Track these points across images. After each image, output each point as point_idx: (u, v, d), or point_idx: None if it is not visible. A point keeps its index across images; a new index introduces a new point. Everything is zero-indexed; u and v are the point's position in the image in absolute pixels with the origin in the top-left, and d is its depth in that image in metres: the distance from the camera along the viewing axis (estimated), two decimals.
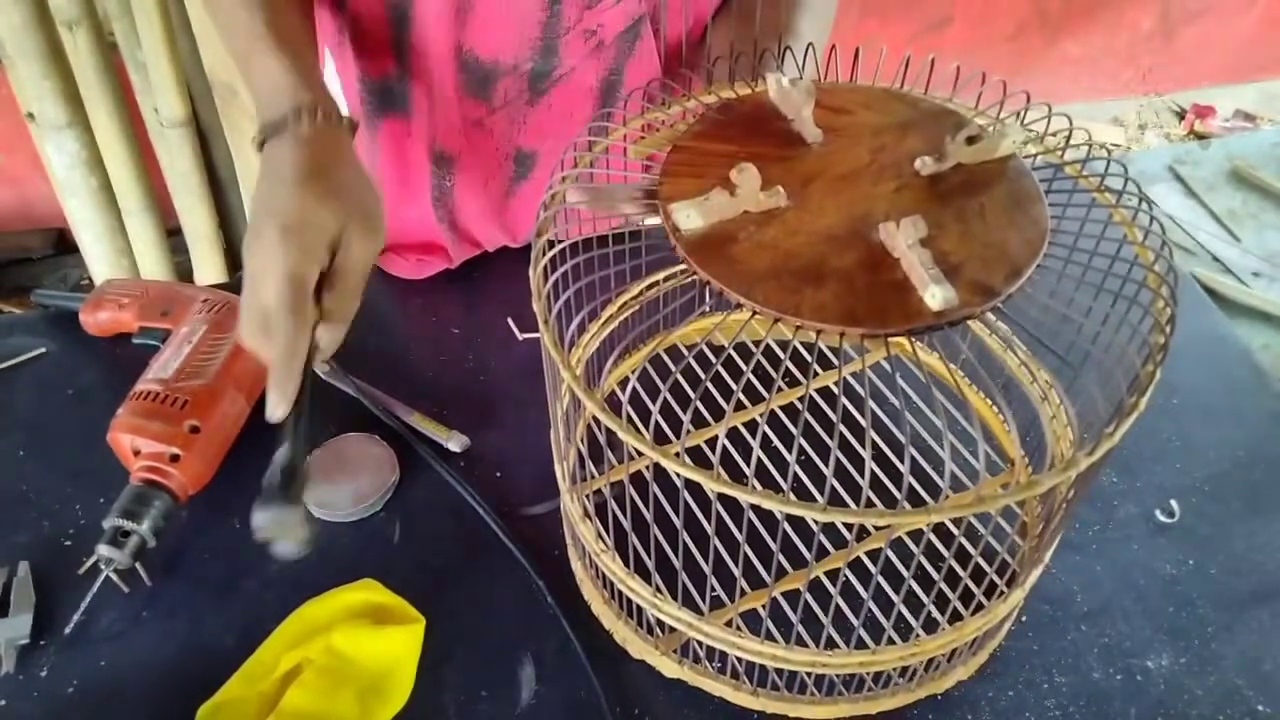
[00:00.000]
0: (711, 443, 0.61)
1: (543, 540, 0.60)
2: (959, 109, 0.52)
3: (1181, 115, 2.49)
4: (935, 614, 0.48)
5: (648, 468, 0.52)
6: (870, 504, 0.57)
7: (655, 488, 0.49)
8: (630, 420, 0.41)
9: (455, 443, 0.65)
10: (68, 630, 0.56)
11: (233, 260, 1.63)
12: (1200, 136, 2.38)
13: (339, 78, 0.74)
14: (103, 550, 0.56)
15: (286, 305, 0.50)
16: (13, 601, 0.56)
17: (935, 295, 0.40)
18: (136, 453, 0.60)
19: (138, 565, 0.57)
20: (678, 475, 0.40)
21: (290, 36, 0.59)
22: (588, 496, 0.57)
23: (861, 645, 0.48)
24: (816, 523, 0.40)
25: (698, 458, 0.58)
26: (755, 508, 0.40)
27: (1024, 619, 0.58)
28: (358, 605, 0.55)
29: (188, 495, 0.60)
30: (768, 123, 0.50)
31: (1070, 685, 0.55)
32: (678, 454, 0.39)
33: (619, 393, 0.67)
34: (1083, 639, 0.57)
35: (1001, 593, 0.50)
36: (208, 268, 1.60)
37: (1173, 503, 0.64)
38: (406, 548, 0.61)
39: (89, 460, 0.63)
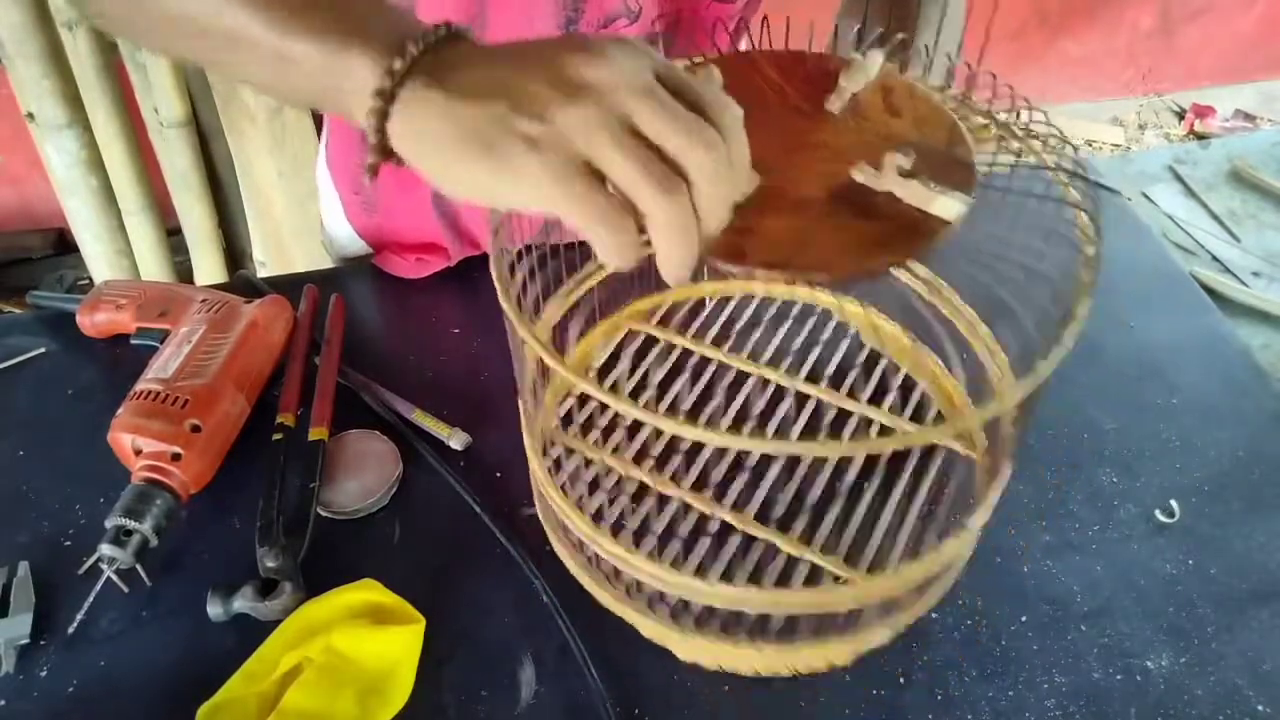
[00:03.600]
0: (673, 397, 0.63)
1: (543, 540, 0.60)
2: (821, 52, 0.54)
3: (1181, 115, 2.49)
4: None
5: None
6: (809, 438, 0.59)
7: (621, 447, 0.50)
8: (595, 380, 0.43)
9: (457, 440, 0.65)
10: (69, 630, 0.56)
11: (232, 260, 1.63)
12: (1200, 136, 2.38)
13: None
14: (105, 549, 0.56)
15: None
16: (13, 601, 0.56)
17: (947, 206, 0.43)
18: (138, 452, 0.60)
19: (138, 565, 0.57)
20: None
21: None
22: (556, 459, 0.58)
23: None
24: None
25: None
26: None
27: (1024, 619, 0.58)
28: (358, 605, 0.55)
29: (189, 494, 0.60)
30: (815, 82, 0.52)
31: (1070, 685, 0.55)
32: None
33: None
34: (1083, 639, 0.57)
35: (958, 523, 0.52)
36: (208, 268, 1.60)
37: (1173, 503, 0.64)
38: (406, 548, 0.61)
39: (89, 460, 0.63)
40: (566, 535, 0.55)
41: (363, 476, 0.63)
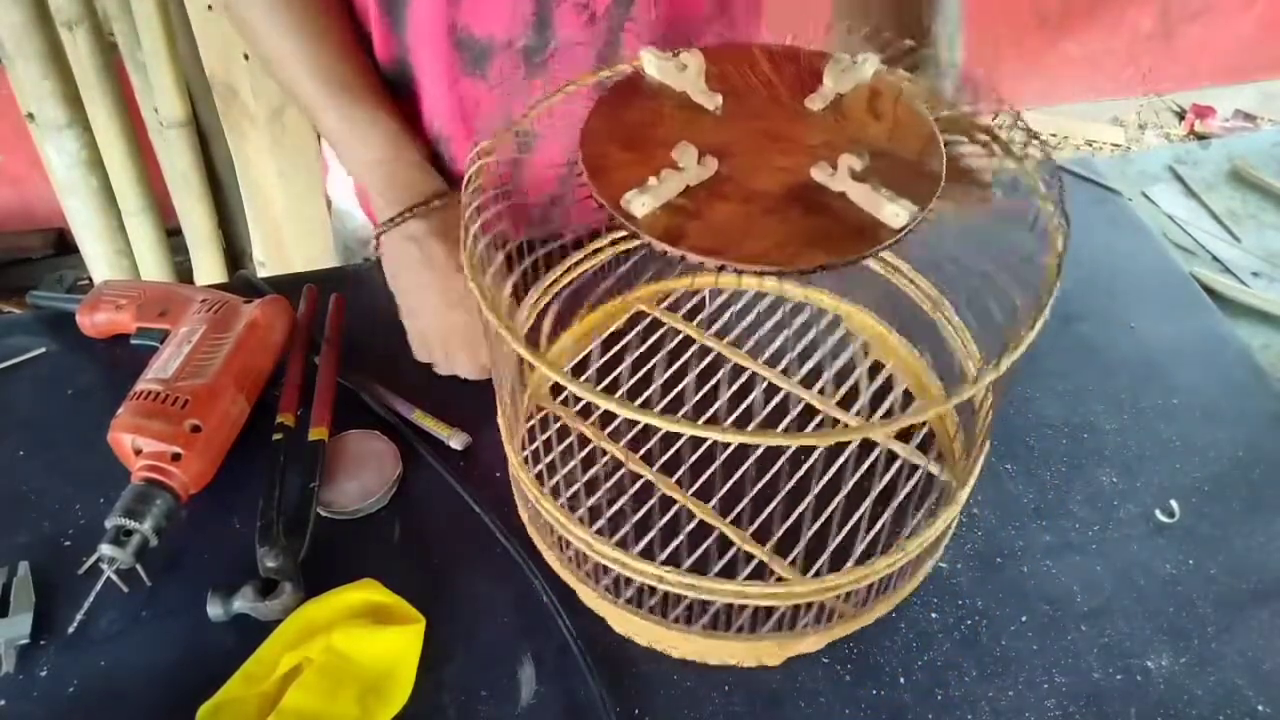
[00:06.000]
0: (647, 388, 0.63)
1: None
2: (823, 50, 0.54)
3: (1181, 115, 2.49)
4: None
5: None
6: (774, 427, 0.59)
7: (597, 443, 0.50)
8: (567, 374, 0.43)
9: (457, 440, 0.65)
10: (69, 630, 0.56)
11: (232, 260, 1.63)
12: (1200, 136, 2.38)
13: None
14: (105, 549, 0.56)
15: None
16: (13, 601, 0.56)
17: (895, 213, 0.43)
18: (138, 452, 0.60)
19: (138, 565, 0.57)
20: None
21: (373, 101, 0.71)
22: (532, 452, 0.58)
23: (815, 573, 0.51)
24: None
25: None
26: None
27: (1024, 619, 0.58)
28: (358, 605, 0.55)
29: (189, 494, 0.60)
30: (659, 98, 0.52)
31: (1070, 685, 0.55)
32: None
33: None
34: (1083, 639, 0.57)
35: (931, 515, 0.52)
36: (207, 268, 1.60)
37: (1173, 503, 0.64)
38: (406, 548, 0.61)
39: (89, 460, 0.63)
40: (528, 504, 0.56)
41: (363, 476, 0.63)
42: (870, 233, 0.44)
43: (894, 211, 0.43)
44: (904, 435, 0.59)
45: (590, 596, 0.55)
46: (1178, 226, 0.97)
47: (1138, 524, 0.63)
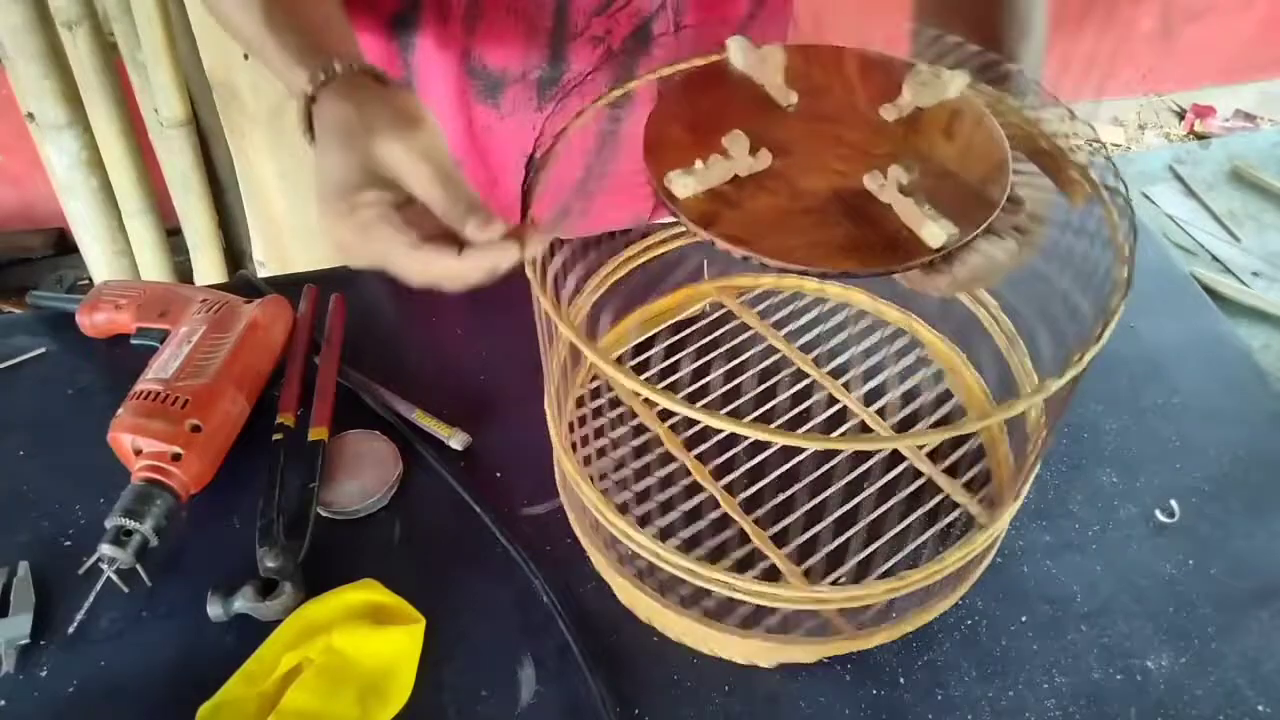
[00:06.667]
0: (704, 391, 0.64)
1: (543, 540, 0.60)
2: (914, 61, 0.53)
3: (1181, 115, 2.49)
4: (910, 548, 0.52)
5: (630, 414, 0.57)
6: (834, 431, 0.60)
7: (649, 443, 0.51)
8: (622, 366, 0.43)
9: (457, 440, 0.65)
10: (69, 630, 0.56)
11: (232, 260, 1.63)
12: (1200, 136, 2.38)
13: None
14: (105, 549, 0.56)
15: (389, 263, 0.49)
16: (13, 601, 0.56)
17: (935, 233, 0.43)
18: (138, 452, 0.60)
19: (138, 565, 0.57)
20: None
21: (288, 20, 0.55)
22: (588, 451, 0.58)
23: (852, 579, 0.51)
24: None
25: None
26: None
27: (1024, 619, 0.58)
28: (358, 605, 0.55)
29: (189, 494, 0.60)
30: (738, 89, 0.52)
31: (1070, 685, 0.55)
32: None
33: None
34: (1083, 639, 0.57)
35: (981, 525, 0.53)
36: (208, 268, 1.60)
37: (1173, 503, 0.64)
38: (406, 548, 0.61)
39: (89, 460, 0.63)
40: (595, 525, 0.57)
41: (363, 476, 0.63)
42: (905, 248, 0.43)
43: (933, 232, 0.43)
44: (953, 470, 0.59)
45: (603, 564, 0.56)
46: (1178, 226, 0.97)
47: (1138, 524, 0.63)
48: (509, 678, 0.54)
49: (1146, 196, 1.01)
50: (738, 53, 0.52)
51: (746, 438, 0.41)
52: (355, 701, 0.51)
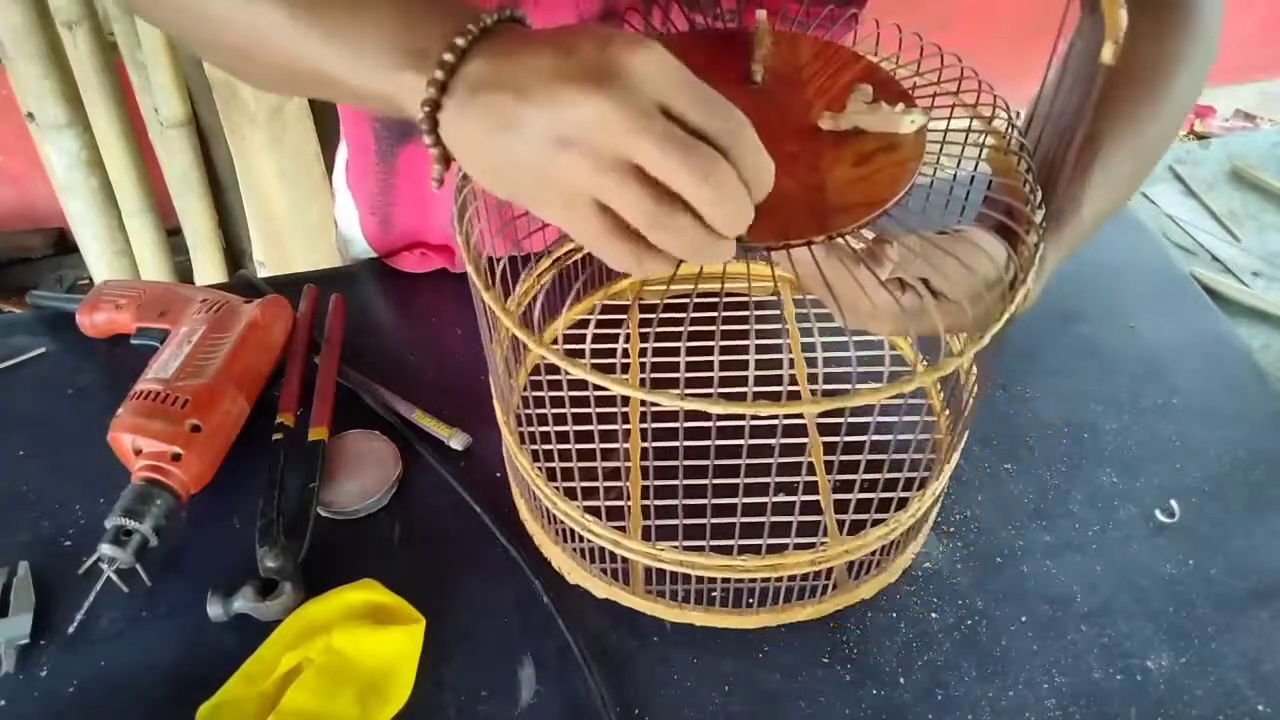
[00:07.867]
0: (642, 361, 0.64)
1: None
2: (912, 94, 0.52)
3: None
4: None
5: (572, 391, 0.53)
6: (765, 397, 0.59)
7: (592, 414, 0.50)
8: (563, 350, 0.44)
9: (458, 440, 0.65)
10: (69, 630, 0.56)
11: (232, 260, 1.63)
12: (1200, 136, 2.38)
13: (343, 113, 0.73)
14: (105, 549, 0.56)
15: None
16: (13, 601, 0.56)
17: (913, 120, 0.46)
18: (138, 452, 0.60)
19: (138, 565, 0.57)
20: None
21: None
22: (526, 430, 0.58)
23: (801, 546, 0.52)
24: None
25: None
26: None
27: (1024, 619, 0.58)
28: (358, 605, 0.55)
29: (189, 494, 0.60)
30: (727, 55, 0.51)
31: (1070, 685, 0.55)
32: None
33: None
34: (1083, 639, 0.57)
35: (920, 486, 0.54)
36: (208, 268, 1.60)
37: (1173, 503, 0.64)
38: (406, 548, 0.61)
39: (89, 460, 0.63)
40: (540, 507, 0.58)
41: (363, 476, 0.63)
42: (867, 201, 0.44)
43: (913, 118, 0.46)
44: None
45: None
46: (1178, 226, 0.97)
47: (1138, 524, 0.63)
48: (509, 678, 0.54)
49: (1146, 196, 1.01)
50: (762, 23, 0.52)
51: (693, 416, 0.42)
52: (355, 701, 0.51)
